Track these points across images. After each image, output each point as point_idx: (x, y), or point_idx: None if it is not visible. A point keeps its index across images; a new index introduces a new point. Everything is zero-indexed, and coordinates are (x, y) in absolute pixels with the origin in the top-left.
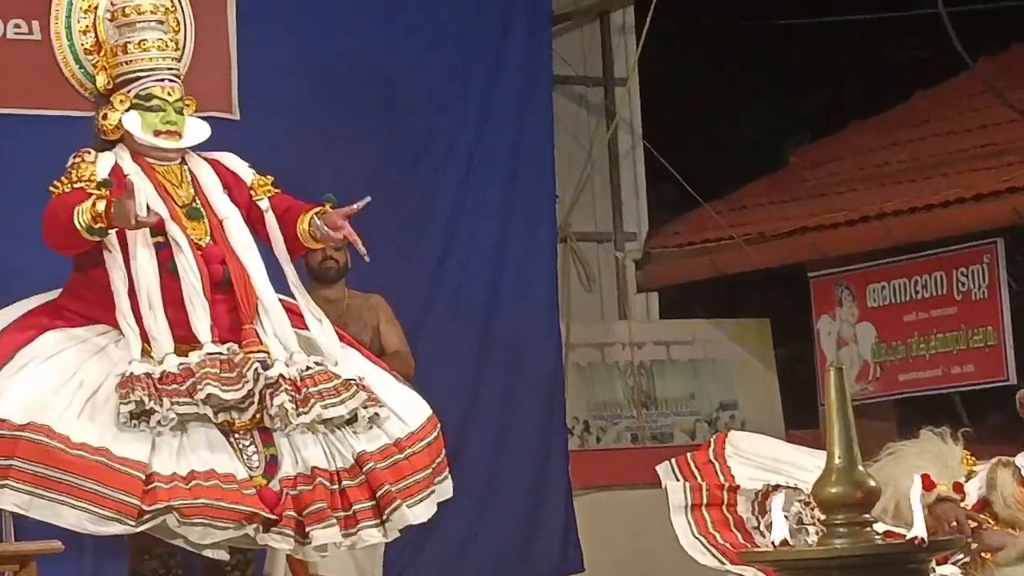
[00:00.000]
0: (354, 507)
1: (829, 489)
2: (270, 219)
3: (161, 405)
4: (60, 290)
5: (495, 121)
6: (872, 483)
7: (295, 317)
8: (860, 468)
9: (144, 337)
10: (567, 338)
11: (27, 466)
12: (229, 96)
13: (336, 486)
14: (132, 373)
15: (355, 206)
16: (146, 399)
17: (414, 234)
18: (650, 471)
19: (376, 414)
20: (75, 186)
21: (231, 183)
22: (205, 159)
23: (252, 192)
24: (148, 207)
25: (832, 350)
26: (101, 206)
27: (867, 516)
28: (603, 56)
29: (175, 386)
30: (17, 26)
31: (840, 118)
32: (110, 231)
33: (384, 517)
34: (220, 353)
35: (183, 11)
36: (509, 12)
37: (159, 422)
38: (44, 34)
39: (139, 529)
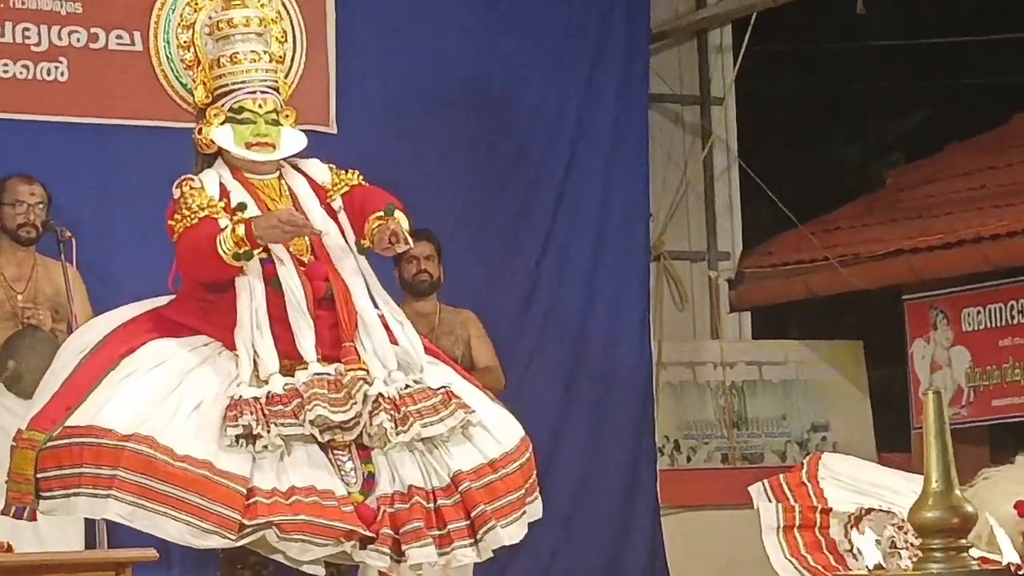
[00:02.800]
0: (449, 526)
1: (926, 513)
2: (342, 219)
3: (268, 432)
4: (163, 298)
5: (591, 138)
6: (969, 508)
7: (391, 332)
8: (957, 493)
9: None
10: (659, 356)
11: (131, 476)
12: (327, 109)
13: (431, 505)
14: (241, 396)
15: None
16: (254, 424)
17: (508, 250)
18: (740, 491)
19: (468, 421)
20: (200, 216)
21: (320, 193)
22: (296, 169)
23: (328, 196)
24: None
25: (926, 374)
26: (241, 230)
27: (963, 541)
28: (700, 75)
29: (281, 407)
30: (119, 37)
31: (937, 140)
32: (255, 252)
33: (478, 537)
34: (327, 373)
35: (292, 20)
36: (607, 30)
37: (265, 447)
38: (146, 45)
39: (239, 544)
